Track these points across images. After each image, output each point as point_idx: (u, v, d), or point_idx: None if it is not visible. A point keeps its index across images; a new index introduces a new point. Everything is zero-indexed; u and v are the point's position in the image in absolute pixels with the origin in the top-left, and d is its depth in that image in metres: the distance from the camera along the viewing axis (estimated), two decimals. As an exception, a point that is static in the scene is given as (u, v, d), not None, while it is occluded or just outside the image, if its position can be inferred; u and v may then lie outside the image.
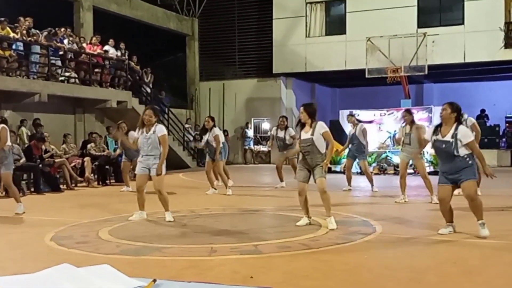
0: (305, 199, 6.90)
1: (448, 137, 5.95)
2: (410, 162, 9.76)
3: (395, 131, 16.29)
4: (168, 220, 7.34)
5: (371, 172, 12.22)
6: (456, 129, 5.95)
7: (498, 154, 18.49)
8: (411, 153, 9.22)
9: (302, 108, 6.89)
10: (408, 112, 9.53)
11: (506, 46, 17.84)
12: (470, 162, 5.93)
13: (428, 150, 13.71)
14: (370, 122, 16.25)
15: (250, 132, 22.20)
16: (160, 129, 7.37)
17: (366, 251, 5.51)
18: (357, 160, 11.72)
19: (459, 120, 6.08)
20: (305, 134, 6.75)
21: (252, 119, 22.42)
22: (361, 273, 4.69)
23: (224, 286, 1.61)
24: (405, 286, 4.31)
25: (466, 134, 5.98)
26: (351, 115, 11.86)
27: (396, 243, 5.92)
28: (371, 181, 11.18)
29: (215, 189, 11.07)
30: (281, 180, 12.09)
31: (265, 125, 22.71)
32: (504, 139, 19.98)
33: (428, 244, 5.82)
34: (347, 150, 11.68)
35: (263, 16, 21.64)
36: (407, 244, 5.83)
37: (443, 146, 5.96)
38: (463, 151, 5.89)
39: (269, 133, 22.29)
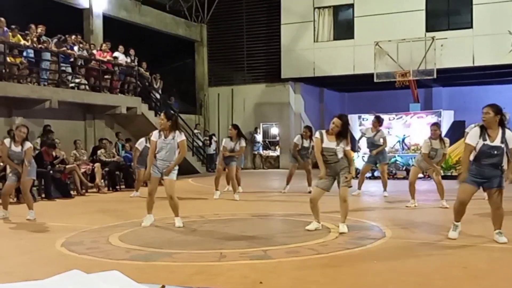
0: (317, 205, 6.92)
1: (498, 142, 5.74)
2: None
3: (404, 135, 16.28)
4: (178, 225, 7.38)
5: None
6: (503, 133, 5.76)
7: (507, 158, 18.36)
8: (427, 166, 9.20)
9: (338, 121, 6.63)
10: (438, 126, 9.36)
11: (515, 49, 17.75)
12: (502, 170, 5.89)
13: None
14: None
15: (259, 137, 22.24)
16: (180, 135, 7.51)
17: (375, 256, 5.51)
18: (377, 164, 11.59)
19: (503, 123, 5.83)
20: (330, 143, 6.67)
21: (261, 124, 22.47)
22: (369, 277, 4.70)
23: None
24: (414, 290, 4.31)
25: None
26: (377, 118, 11.44)
27: (404, 247, 5.91)
28: (385, 185, 11.14)
29: (218, 190, 11.12)
30: (287, 183, 12.12)
31: (274, 130, 22.74)
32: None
33: (436, 248, 5.82)
34: (367, 155, 11.52)
35: (271, 21, 21.70)
36: (416, 249, 5.82)
37: (495, 152, 5.75)
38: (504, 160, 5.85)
39: (277, 138, 22.40)
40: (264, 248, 5.80)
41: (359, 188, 11.36)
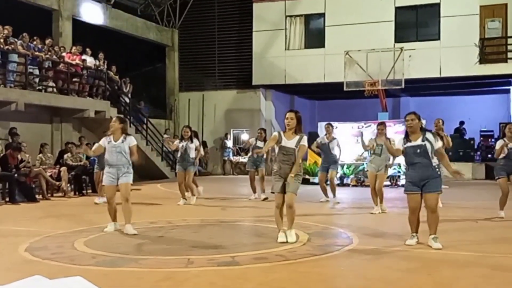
0: (282, 211, 6.77)
1: (419, 141, 6.19)
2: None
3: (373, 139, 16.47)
4: (126, 232, 7.18)
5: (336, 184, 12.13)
6: (424, 134, 6.23)
7: (473, 167, 18.80)
8: (379, 165, 9.46)
9: (292, 113, 6.65)
10: (385, 126, 9.98)
11: (481, 61, 18.21)
12: (439, 172, 6.20)
13: (402, 162, 13.90)
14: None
15: (229, 143, 22.23)
16: (131, 140, 7.47)
17: (342, 262, 5.56)
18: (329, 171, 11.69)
19: (424, 128, 6.40)
20: (288, 142, 6.58)
21: (232, 130, 22.46)
22: (337, 284, 4.73)
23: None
24: (379, 297, 4.36)
25: (435, 139, 6.26)
26: (330, 125, 11.70)
27: (371, 254, 5.97)
28: (334, 191, 11.24)
29: (186, 199, 11.06)
30: (254, 191, 12.15)
31: (244, 136, 22.74)
32: (478, 153, 20.34)
33: (402, 255, 5.89)
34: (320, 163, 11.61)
35: (243, 28, 21.77)
36: (382, 255, 5.89)
37: (418, 151, 6.17)
38: (434, 161, 6.16)
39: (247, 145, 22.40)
40: (231, 255, 5.79)
41: (325, 195, 11.45)
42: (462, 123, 21.30)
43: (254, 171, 12.19)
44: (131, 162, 7.42)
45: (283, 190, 6.62)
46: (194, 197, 11.06)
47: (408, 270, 5.21)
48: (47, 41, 15.10)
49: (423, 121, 6.45)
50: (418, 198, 6.23)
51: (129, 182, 7.39)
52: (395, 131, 15.45)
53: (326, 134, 11.53)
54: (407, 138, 6.33)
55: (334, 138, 11.41)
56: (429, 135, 6.22)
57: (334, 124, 16.24)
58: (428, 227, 6.23)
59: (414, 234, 6.40)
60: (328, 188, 11.36)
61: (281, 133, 6.74)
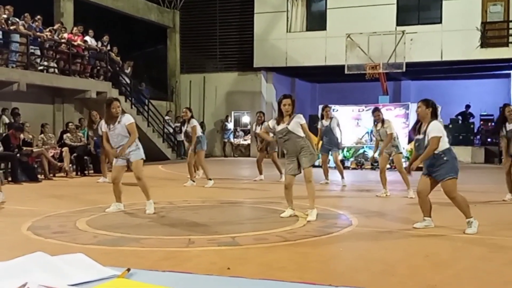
0: (291, 191, 7.03)
1: (421, 135, 6.11)
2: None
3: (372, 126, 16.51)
4: (148, 212, 7.28)
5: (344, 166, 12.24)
6: (428, 125, 6.01)
7: (472, 151, 18.87)
8: (387, 148, 9.44)
9: (289, 99, 6.82)
10: (379, 110, 9.84)
11: (482, 45, 18.13)
12: (445, 158, 5.88)
13: (404, 146, 13.94)
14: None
15: (230, 125, 22.26)
16: (127, 119, 7.30)
17: (341, 244, 5.63)
18: (330, 152, 11.78)
19: (435, 115, 6.11)
20: (281, 126, 6.85)
21: (232, 112, 22.47)
22: (336, 265, 4.80)
23: (197, 275, 1.61)
24: (378, 278, 4.42)
25: (432, 128, 5.92)
26: (327, 106, 11.76)
27: (370, 236, 6.05)
28: (341, 173, 11.32)
29: (194, 181, 11.12)
30: (260, 173, 12.21)
31: (245, 119, 22.78)
32: (478, 137, 20.39)
33: (401, 237, 5.96)
34: (320, 145, 11.70)
35: (245, 10, 21.64)
36: (381, 237, 5.96)
37: (417, 144, 6.17)
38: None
39: (249, 127, 22.48)
40: (232, 235, 5.86)
41: (326, 177, 11.52)
42: (468, 106, 21.27)
43: (264, 153, 12.18)
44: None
45: (294, 173, 6.87)
46: (210, 181, 10.91)
47: (406, 252, 5.28)
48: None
49: (439, 107, 6.26)
50: (426, 181, 6.07)
51: (138, 158, 7.30)
52: (396, 115, 15.48)
53: (323, 118, 11.54)
54: (416, 127, 6.24)
55: (332, 118, 11.43)
56: (430, 125, 5.96)
57: (335, 107, 16.37)
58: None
59: (426, 218, 6.26)
60: (334, 171, 11.50)
61: (274, 121, 7.00)
